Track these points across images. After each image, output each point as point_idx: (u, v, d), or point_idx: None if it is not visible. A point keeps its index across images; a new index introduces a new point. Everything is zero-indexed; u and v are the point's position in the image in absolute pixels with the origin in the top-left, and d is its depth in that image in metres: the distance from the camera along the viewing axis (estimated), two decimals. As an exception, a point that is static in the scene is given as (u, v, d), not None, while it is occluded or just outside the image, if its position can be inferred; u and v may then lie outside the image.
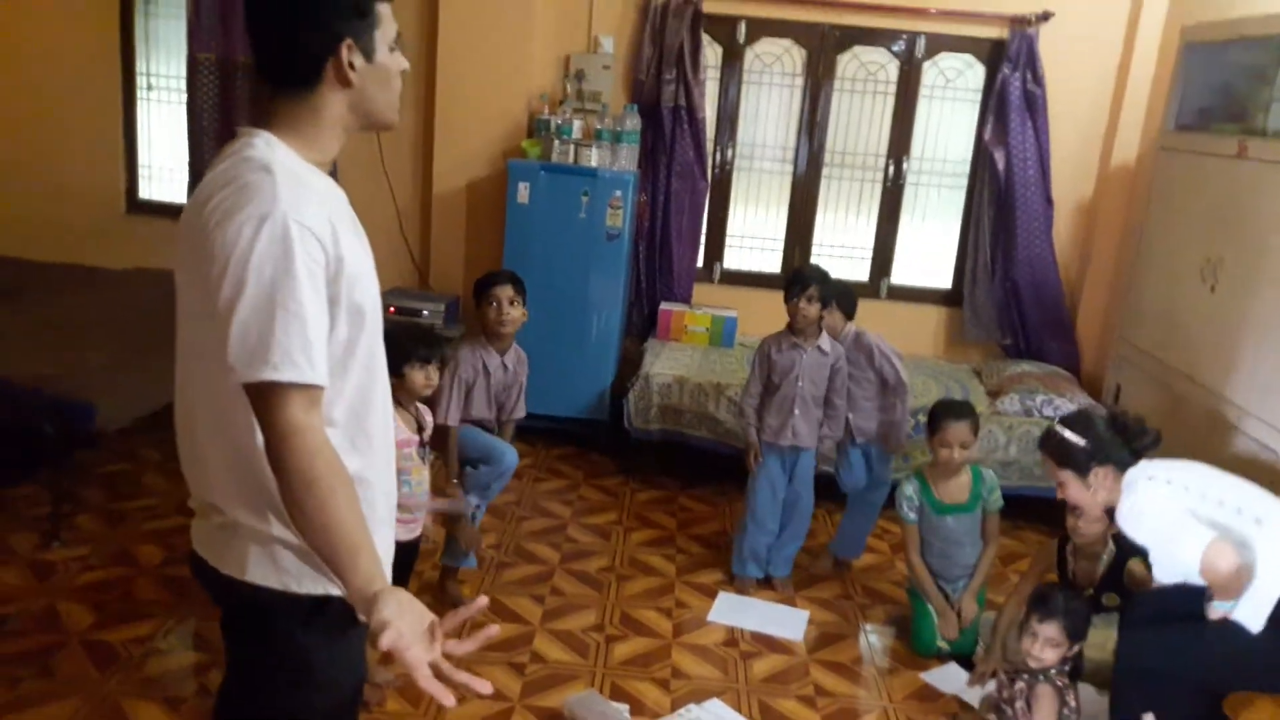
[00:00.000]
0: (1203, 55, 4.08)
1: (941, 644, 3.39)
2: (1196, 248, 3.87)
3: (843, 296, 3.74)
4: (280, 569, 1.49)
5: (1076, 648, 2.79)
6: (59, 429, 3.47)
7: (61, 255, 5.10)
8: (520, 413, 3.58)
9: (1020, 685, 2.81)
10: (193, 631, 3.13)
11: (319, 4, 1.45)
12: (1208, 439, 3.64)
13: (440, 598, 3.43)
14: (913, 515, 3.47)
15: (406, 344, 2.76)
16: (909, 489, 3.48)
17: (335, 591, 1.48)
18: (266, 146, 1.45)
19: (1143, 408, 4.21)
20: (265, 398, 1.35)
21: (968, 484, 3.47)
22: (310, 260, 1.37)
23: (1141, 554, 3.16)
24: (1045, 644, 2.75)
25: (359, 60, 1.48)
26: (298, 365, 1.34)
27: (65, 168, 5.48)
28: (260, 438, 1.39)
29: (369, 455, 1.55)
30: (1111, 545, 3.18)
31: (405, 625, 1.30)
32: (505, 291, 3.34)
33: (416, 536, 2.96)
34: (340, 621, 1.52)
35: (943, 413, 3.44)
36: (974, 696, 3.15)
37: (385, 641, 1.28)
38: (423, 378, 2.85)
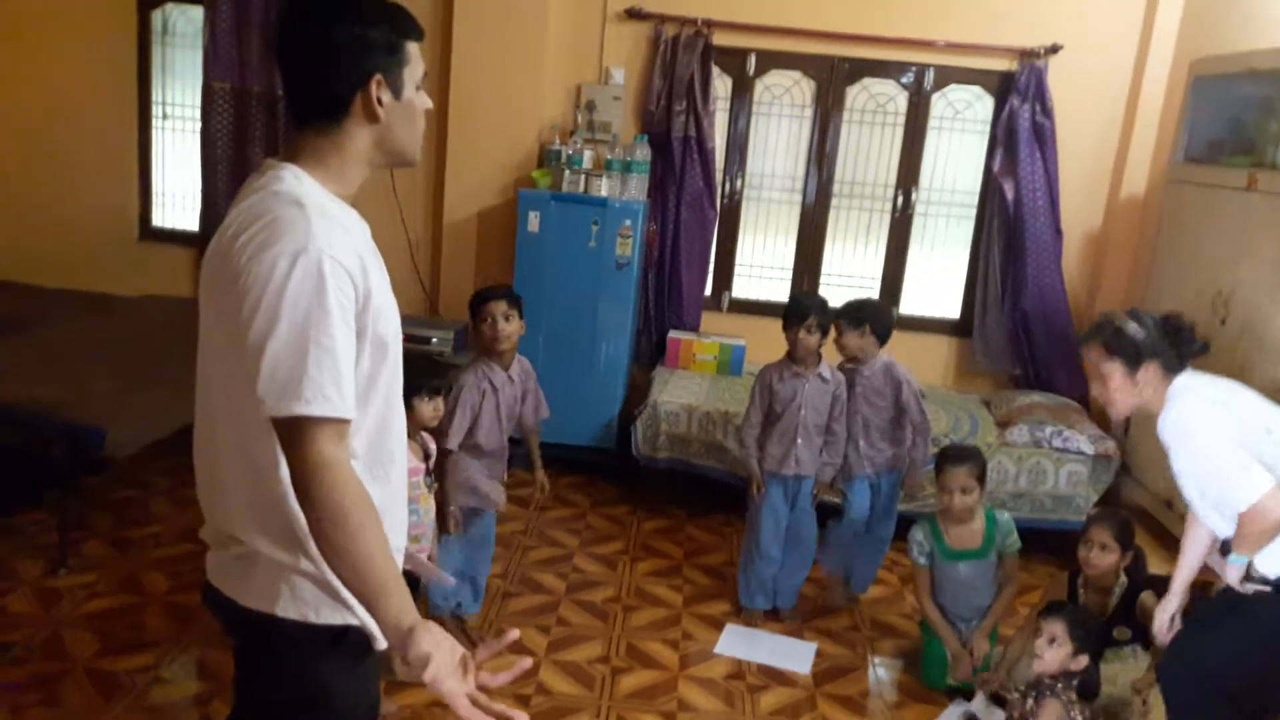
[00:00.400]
0: (1212, 88, 4.09)
1: (950, 680, 3.36)
2: (1207, 280, 3.86)
3: (878, 321, 3.68)
4: (300, 600, 1.50)
5: (1084, 660, 2.74)
6: (68, 454, 3.47)
7: (74, 282, 5.15)
8: (544, 412, 3.52)
9: (1030, 704, 2.78)
10: (196, 661, 3.12)
11: (352, 40, 1.47)
12: (1219, 472, 3.61)
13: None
14: (923, 560, 3.43)
15: (414, 376, 2.77)
16: (919, 534, 3.44)
17: (354, 621, 1.50)
18: (295, 180, 1.47)
19: (1152, 440, 4.18)
20: (296, 431, 1.37)
21: (980, 530, 3.39)
22: (342, 295, 1.40)
23: (1154, 587, 3.14)
24: (1049, 642, 2.73)
25: (387, 97, 1.51)
26: (330, 400, 1.36)
27: (79, 195, 5.53)
28: (285, 470, 1.40)
29: (387, 486, 1.57)
30: (1123, 578, 3.16)
31: (441, 658, 1.33)
32: (499, 307, 3.24)
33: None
34: (358, 650, 1.54)
35: (942, 458, 3.41)
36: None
37: (427, 675, 1.31)
38: (431, 409, 2.88)
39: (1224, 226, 3.79)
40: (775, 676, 3.39)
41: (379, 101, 1.50)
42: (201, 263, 1.52)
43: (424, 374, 2.86)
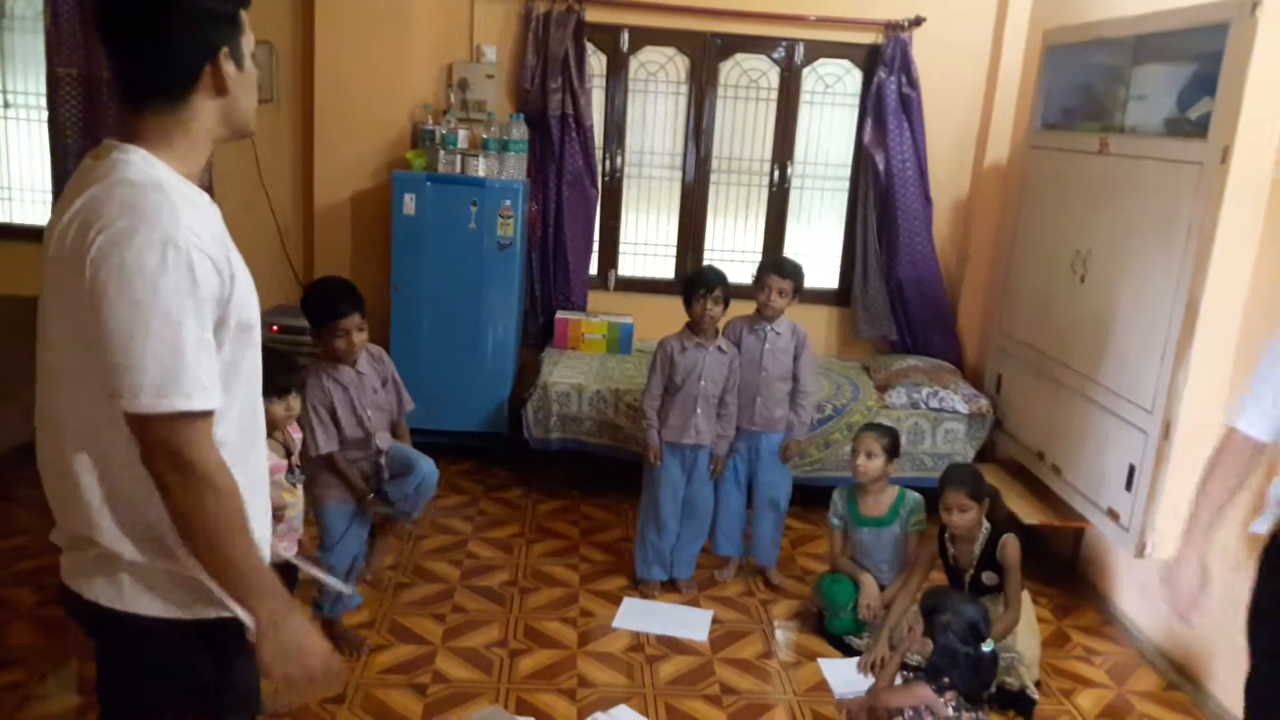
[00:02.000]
0: (1064, 57, 4.27)
1: (861, 614, 3.49)
2: (1066, 241, 4.04)
3: (801, 279, 3.81)
4: (166, 597, 1.45)
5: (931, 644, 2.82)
6: (-86, 468, 3.25)
7: (-86, 285, 4.79)
8: (408, 404, 3.40)
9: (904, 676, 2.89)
10: (75, 674, 2.96)
11: (197, 12, 1.41)
12: (1084, 422, 3.81)
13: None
14: (837, 521, 3.69)
15: (267, 375, 2.65)
16: (836, 496, 3.73)
17: (226, 614, 1.46)
18: (147, 164, 1.40)
19: (1022, 395, 4.38)
20: (176, 427, 1.33)
21: (889, 501, 3.61)
22: (207, 286, 1.36)
23: (1015, 531, 3.28)
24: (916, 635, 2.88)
25: (232, 68, 1.46)
26: (208, 391, 1.35)
27: (-85, 191, 5.15)
28: (141, 470, 1.36)
29: (251, 469, 1.53)
30: (986, 525, 3.30)
31: (289, 670, 1.44)
32: (353, 322, 3.07)
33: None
34: (233, 643, 1.49)
35: (858, 431, 3.68)
36: (863, 685, 3.20)
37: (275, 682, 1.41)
38: (283, 409, 2.75)
39: (1080, 189, 3.97)
40: (674, 646, 3.42)
41: (226, 74, 1.44)
42: (44, 260, 1.43)
43: (274, 372, 2.72)
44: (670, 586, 3.83)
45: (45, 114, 4.95)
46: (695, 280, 3.66)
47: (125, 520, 1.42)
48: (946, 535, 3.39)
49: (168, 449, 1.33)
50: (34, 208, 5.34)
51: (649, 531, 3.77)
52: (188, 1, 1.40)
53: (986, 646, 2.78)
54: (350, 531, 3.22)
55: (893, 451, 3.59)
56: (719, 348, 3.67)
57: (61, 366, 1.43)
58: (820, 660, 3.40)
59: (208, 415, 1.36)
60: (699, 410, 3.65)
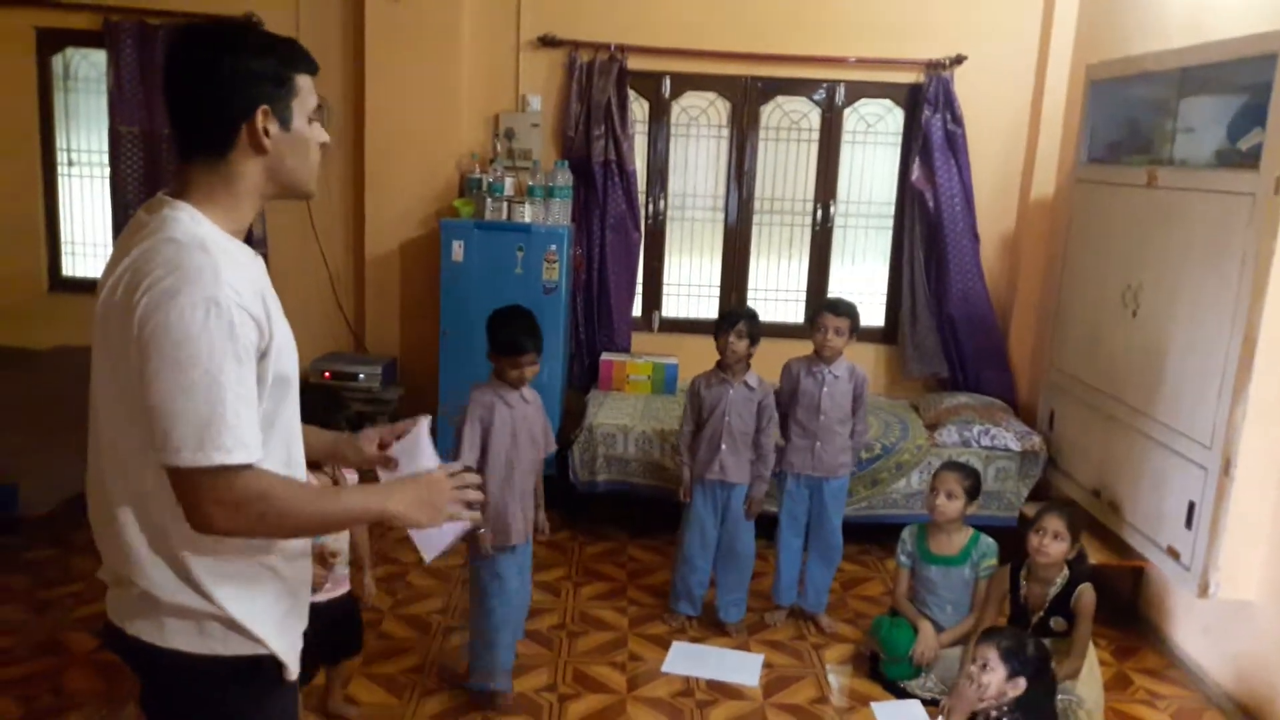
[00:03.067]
0: (1108, 91, 4.24)
1: (914, 660, 3.41)
2: (1116, 275, 3.99)
3: (857, 318, 3.81)
4: (207, 635, 1.49)
5: (1021, 683, 2.65)
6: (-20, 515, 3.34)
7: (-17, 337, 4.97)
8: (550, 446, 3.39)
9: None
10: (133, 718, 3.00)
11: (237, 71, 1.46)
12: (1140, 458, 3.72)
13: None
14: (905, 560, 3.61)
15: (314, 410, 2.68)
16: (905, 535, 3.65)
17: (264, 651, 1.51)
18: (193, 222, 1.45)
19: (1076, 432, 4.30)
20: (217, 479, 1.37)
21: (962, 542, 3.55)
22: (249, 342, 1.40)
23: (1093, 580, 3.22)
24: (981, 668, 2.66)
25: (274, 128, 1.49)
26: (248, 447, 1.39)
27: (-15, 248, 5.34)
28: (183, 523, 1.41)
29: None
30: (1066, 570, 3.23)
31: (411, 512, 1.56)
32: (529, 359, 3.19)
33: (345, 593, 2.93)
34: (270, 680, 1.54)
35: (939, 470, 3.63)
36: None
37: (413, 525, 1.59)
38: None
39: (1128, 223, 3.93)
40: (724, 691, 3.38)
41: (265, 133, 1.48)
42: (95, 312, 1.49)
43: (320, 409, 2.77)
44: (719, 630, 3.79)
45: (107, 170, 5.14)
46: (722, 316, 3.72)
47: (163, 562, 1.47)
48: (1023, 572, 3.32)
49: (210, 500, 1.38)
50: (96, 262, 5.52)
51: (678, 565, 3.79)
52: (230, 60, 1.45)
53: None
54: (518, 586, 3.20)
55: (974, 493, 3.55)
56: (746, 383, 3.67)
57: (106, 412, 1.48)
58: (874, 704, 3.34)
59: (247, 469, 1.39)
60: (724, 446, 3.64)
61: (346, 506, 1.57)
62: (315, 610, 2.78)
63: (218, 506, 1.38)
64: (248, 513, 1.40)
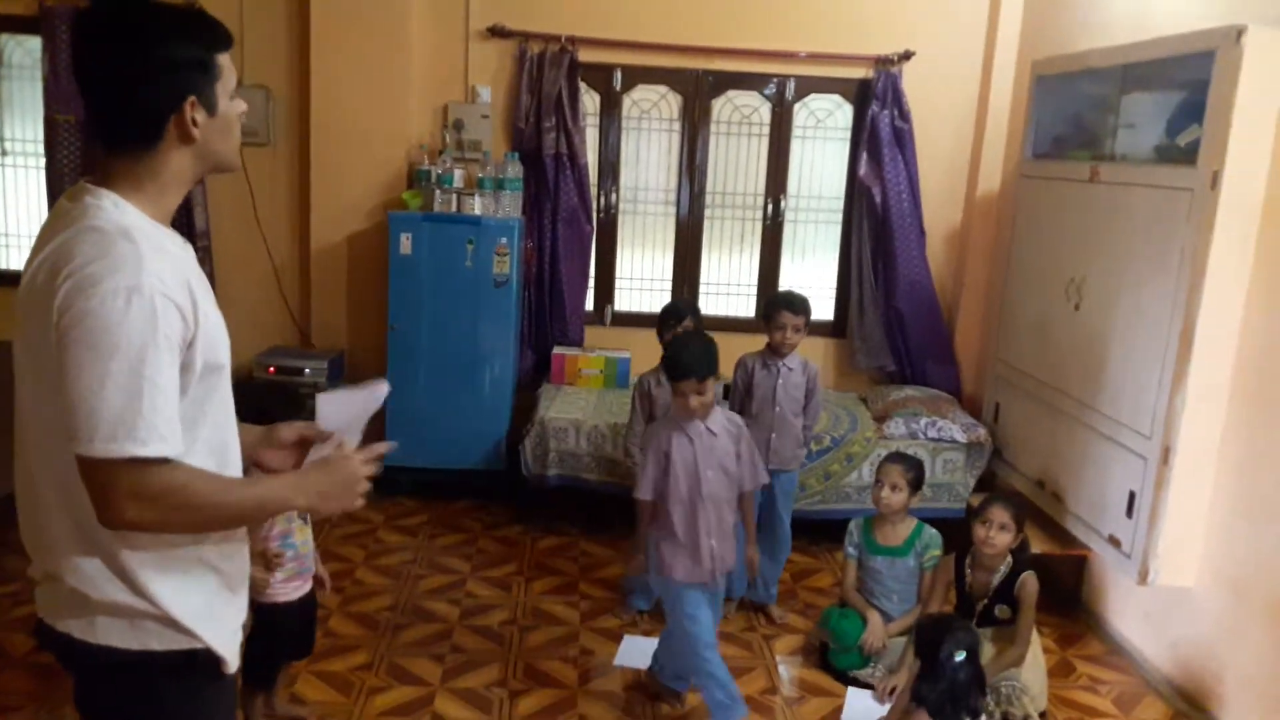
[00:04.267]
0: (1053, 87, 4.30)
1: (863, 648, 3.45)
2: (1060, 269, 4.05)
3: (809, 311, 3.80)
4: (138, 629, 1.47)
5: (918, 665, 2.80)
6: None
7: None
8: (762, 477, 3.24)
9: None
10: (72, 718, 2.92)
11: (162, 63, 1.42)
12: (1083, 449, 3.79)
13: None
14: (853, 551, 3.67)
15: (273, 409, 2.63)
16: (852, 527, 3.72)
17: (199, 645, 1.49)
18: (116, 210, 1.41)
19: (1021, 423, 4.37)
20: (127, 471, 1.33)
21: (906, 533, 3.61)
22: (172, 331, 1.37)
23: (1035, 568, 3.28)
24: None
25: (201, 116, 1.46)
26: (165, 440, 1.35)
27: (-87, 239, 5.17)
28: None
29: None
30: (1010, 559, 3.28)
31: (328, 499, 1.54)
32: (691, 386, 2.95)
33: (310, 591, 2.88)
34: (206, 674, 1.52)
35: (882, 462, 3.68)
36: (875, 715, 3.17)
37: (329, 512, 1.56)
38: None
39: (1072, 217, 3.99)
40: (675, 684, 3.38)
41: (193, 122, 1.45)
42: (15, 302, 1.44)
43: (276, 405, 2.71)
44: (671, 623, 3.79)
45: (43, 160, 5.00)
46: (665, 313, 3.73)
47: (93, 558, 1.44)
48: (968, 560, 3.37)
49: (120, 493, 1.34)
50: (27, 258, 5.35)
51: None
52: (153, 53, 1.41)
53: (959, 655, 2.74)
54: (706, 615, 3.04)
55: (917, 484, 3.59)
56: None
57: (28, 407, 1.45)
58: (850, 690, 3.39)
59: (163, 463, 1.35)
60: None
61: (260, 497, 1.50)
62: (288, 609, 2.76)
63: (129, 500, 1.34)
64: (159, 507, 1.36)
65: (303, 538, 2.80)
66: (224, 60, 1.49)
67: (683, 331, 3.46)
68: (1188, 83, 3.34)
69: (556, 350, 5.09)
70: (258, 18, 4.88)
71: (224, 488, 1.46)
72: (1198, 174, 3.18)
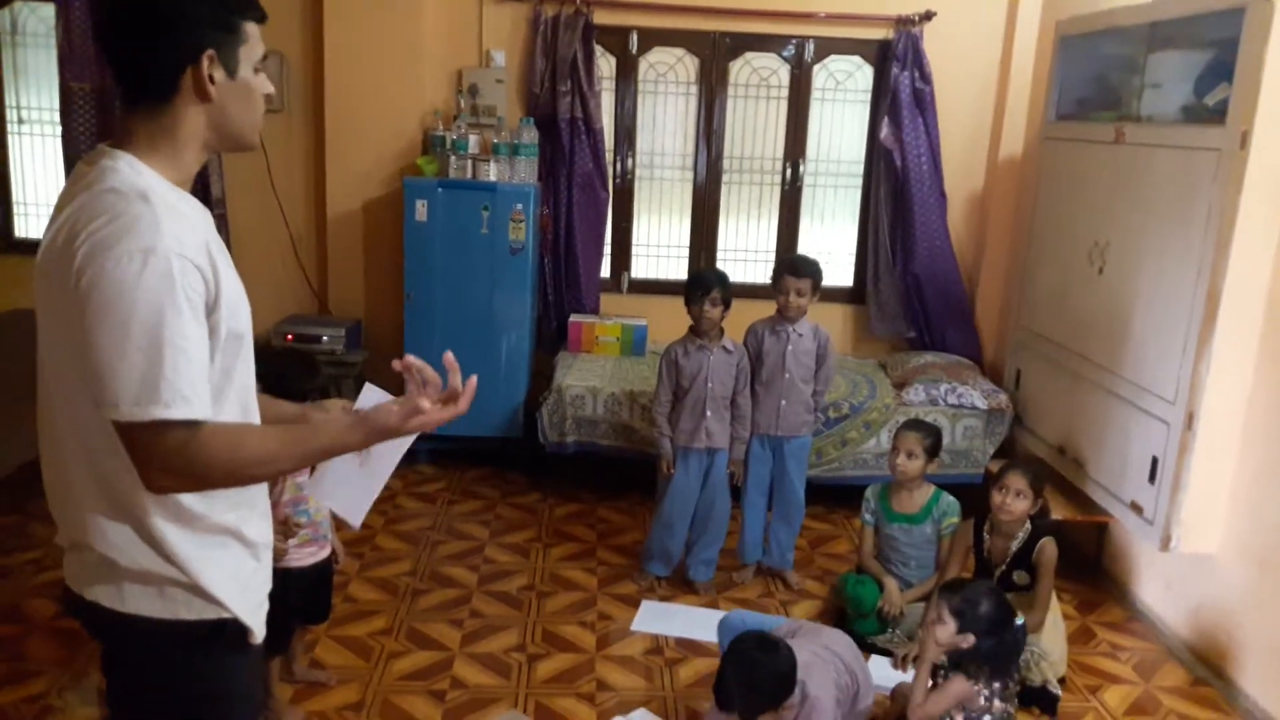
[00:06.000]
0: (1077, 47, 4.22)
1: (884, 610, 3.46)
2: (1083, 232, 3.99)
3: (820, 276, 3.77)
4: (168, 599, 1.46)
5: (970, 638, 2.71)
6: (-68, 482, 3.27)
7: (-68, 301, 4.83)
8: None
9: (942, 675, 2.82)
10: (95, 686, 2.95)
11: (181, 12, 1.40)
12: (1105, 414, 3.75)
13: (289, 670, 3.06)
14: (870, 518, 3.67)
15: (290, 378, 2.62)
16: (869, 494, 3.72)
17: (227, 615, 1.49)
18: (132, 171, 1.40)
19: (1042, 389, 4.33)
20: (153, 435, 1.32)
21: (924, 500, 3.60)
22: (193, 293, 1.35)
23: (1055, 534, 3.25)
24: (935, 621, 2.75)
25: (220, 74, 1.44)
26: (189, 401, 1.33)
27: (-67, 208, 5.19)
28: (136, 478, 1.36)
29: None
30: (1028, 525, 3.26)
31: (383, 427, 1.49)
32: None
33: (325, 559, 2.89)
34: (234, 644, 1.52)
35: (900, 429, 3.66)
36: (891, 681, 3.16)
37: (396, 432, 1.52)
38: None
39: (1096, 179, 3.92)
40: (693, 648, 3.39)
41: (210, 79, 1.42)
42: (35, 267, 1.43)
43: (294, 376, 2.70)
44: (689, 589, 3.80)
45: (58, 129, 4.99)
46: (694, 283, 3.67)
47: (122, 526, 1.43)
48: (986, 526, 3.36)
49: (155, 456, 1.33)
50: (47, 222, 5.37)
51: (656, 528, 3.79)
52: (168, 3, 1.39)
53: (1018, 620, 2.74)
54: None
55: (933, 451, 3.57)
56: (724, 348, 3.66)
57: (54, 370, 1.43)
58: (871, 657, 3.36)
59: (191, 425, 1.33)
60: (709, 413, 3.63)
61: (310, 451, 1.48)
62: (300, 574, 2.78)
63: (164, 463, 1.33)
64: (192, 469, 1.34)
65: (315, 504, 2.80)
66: (251, 29, 1.47)
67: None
68: (1216, 41, 3.26)
69: (573, 318, 5.07)
70: (270, -18, 4.83)
71: (264, 444, 1.43)
72: (1226, 134, 3.11)
